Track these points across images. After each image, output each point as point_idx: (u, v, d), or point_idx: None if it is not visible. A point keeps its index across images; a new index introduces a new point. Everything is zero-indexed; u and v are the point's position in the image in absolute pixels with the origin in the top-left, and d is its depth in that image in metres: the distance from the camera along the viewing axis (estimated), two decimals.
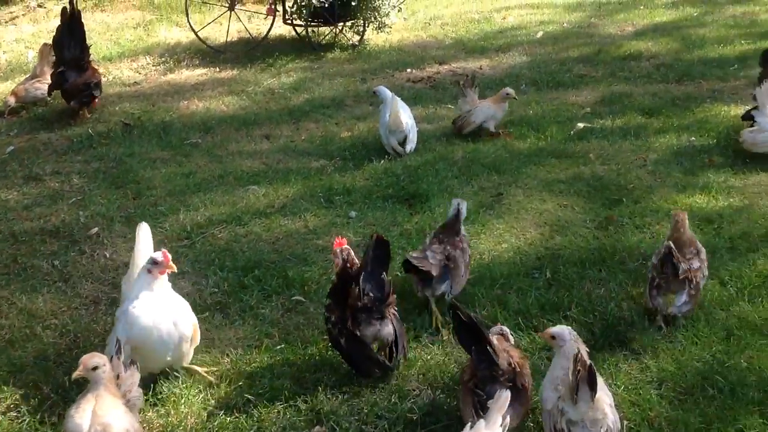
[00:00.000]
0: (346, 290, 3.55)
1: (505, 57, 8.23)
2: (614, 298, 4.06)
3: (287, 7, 8.62)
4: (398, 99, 5.98)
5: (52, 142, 6.24)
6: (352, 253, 3.68)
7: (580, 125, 6.25)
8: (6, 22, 9.47)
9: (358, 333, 3.50)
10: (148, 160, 5.84)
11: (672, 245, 3.80)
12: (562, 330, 3.17)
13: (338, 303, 3.55)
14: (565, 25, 9.45)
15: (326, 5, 8.19)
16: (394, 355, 3.59)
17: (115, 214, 5.03)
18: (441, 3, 10.72)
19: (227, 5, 8.65)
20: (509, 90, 6.12)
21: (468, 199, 5.09)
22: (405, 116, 5.86)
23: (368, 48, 8.63)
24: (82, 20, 6.57)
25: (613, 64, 7.84)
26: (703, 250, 4.02)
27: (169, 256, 3.42)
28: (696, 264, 3.89)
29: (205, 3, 9.48)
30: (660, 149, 5.84)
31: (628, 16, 9.74)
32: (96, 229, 4.85)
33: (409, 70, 7.86)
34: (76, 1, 6.55)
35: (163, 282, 3.43)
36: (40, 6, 10.01)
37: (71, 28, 6.46)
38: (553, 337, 3.14)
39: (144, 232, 3.77)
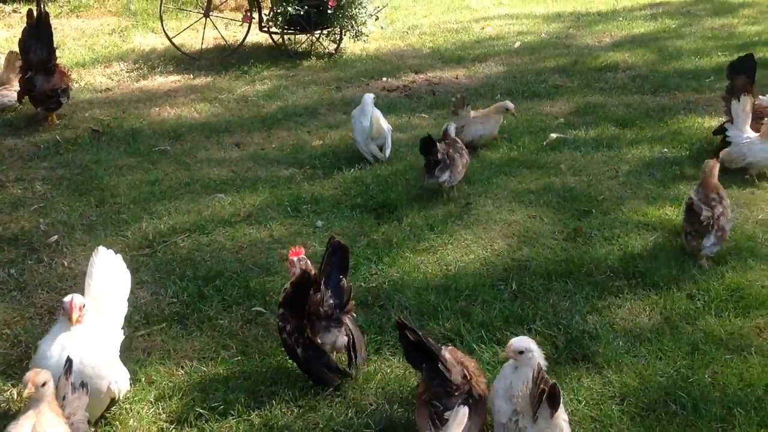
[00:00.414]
0: (303, 299, 3.48)
1: (481, 67, 8.19)
2: (579, 311, 4.00)
3: (263, 15, 8.55)
4: (373, 109, 5.94)
5: (18, 148, 6.13)
6: (310, 263, 3.60)
7: (553, 136, 6.20)
8: None
9: (318, 341, 3.43)
10: (114, 167, 5.75)
11: (694, 199, 4.41)
12: (528, 343, 3.10)
13: (294, 312, 3.48)
14: (543, 35, 9.43)
15: (302, 13, 8.11)
16: (353, 361, 3.53)
17: (77, 222, 4.93)
18: (420, 13, 10.69)
19: (203, 12, 8.57)
20: (509, 105, 6.02)
21: (436, 209, 5.08)
22: (384, 122, 5.82)
23: (344, 56, 8.57)
24: (50, 23, 6.44)
25: (589, 74, 7.81)
26: (726, 196, 4.56)
27: (76, 306, 3.14)
28: (719, 210, 4.42)
29: (181, 10, 9.41)
30: (632, 160, 5.79)
31: (607, 27, 9.73)
32: (56, 237, 4.75)
33: (384, 78, 7.81)
34: (44, 4, 6.43)
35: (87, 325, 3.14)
36: (14, 11, 9.90)
37: (38, 30, 6.36)
38: (520, 353, 3.06)
39: (101, 258, 3.54)
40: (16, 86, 6.63)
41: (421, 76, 7.94)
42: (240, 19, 8.84)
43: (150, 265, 4.47)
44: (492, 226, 4.90)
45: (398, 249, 4.64)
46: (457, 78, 7.85)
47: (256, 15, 8.60)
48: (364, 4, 8.43)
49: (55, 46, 6.48)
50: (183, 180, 5.55)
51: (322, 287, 3.49)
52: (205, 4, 8.57)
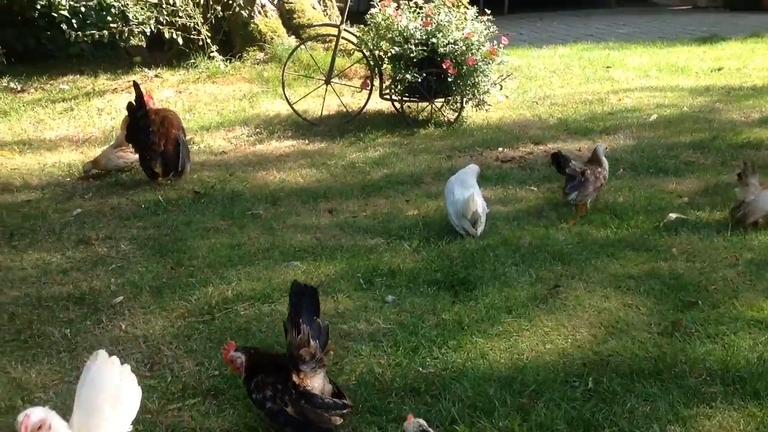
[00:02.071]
0: (268, 362, 3.43)
1: (608, 139, 7.65)
2: (660, 420, 3.44)
3: (383, 82, 8.43)
4: (474, 181, 5.65)
5: (120, 207, 6.20)
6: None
7: (672, 216, 5.60)
8: (122, 90, 9.76)
9: (308, 385, 3.29)
10: (202, 230, 5.67)
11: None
12: None
13: (269, 372, 3.35)
14: (684, 108, 8.77)
15: (420, 81, 7.92)
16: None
17: (146, 284, 4.83)
18: (556, 83, 10.25)
19: (324, 78, 8.55)
20: None
21: (521, 289, 4.64)
22: (478, 204, 5.45)
23: (464, 126, 8.28)
24: (146, 112, 6.52)
25: (727, 151, 7.11)
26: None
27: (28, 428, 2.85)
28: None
29: (303, 76, 9.46)
30: (758, 248, 5.11)
31: (758, 103, 8.93)
32: (121, 298, 4.66)
33: (500, 149, 7.44)
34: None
35: None
36: (157, 76, 10.30)
37: (136, 124, 6.45)
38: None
39: (101, 365, 3.06)
40: (131, 148, 6.74)
41: (541, 147, 7.50)
42: (359, 86, 8.75)
43: (204, 333, 4.27)
44: (579, 313, 4.39)
45: (468, 332, 4.23)
46: (579, 150, 7.36)
47: (376, 82, 8.48)
48: (486, 73, 8.12)
49: (153, 129, 6.51)
50: (264, 245, 5.38)
51: (304, 326, 3.32)
52: (327, 70, 8.54)
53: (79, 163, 7.21)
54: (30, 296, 4.69)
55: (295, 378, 3.30)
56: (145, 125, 6.42)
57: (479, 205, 5.41)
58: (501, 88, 8.53)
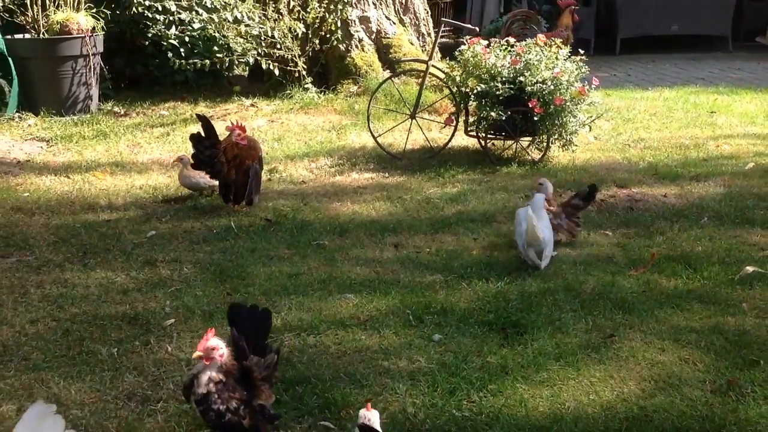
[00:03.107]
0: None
1: (697, 186, 7.33)
2: None
3: (469, 119, 8.37)
4: (543, 212, 5.58)
5: (193, 230, 6.32)
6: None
7: (749, 269, 5.29)
8: (218, 118, 10.02)
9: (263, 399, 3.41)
10: (265, 257, 5.71)
11: None
12: None
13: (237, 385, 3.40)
14: None
15: (504, 119, 7.81)
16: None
17: (200, 308, 4.89)
18: (654, 126, 9.93)
19: (409, 113, 8.55)
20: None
21: (574, 336, 4.47)
22: (544, 229, 5.38)
23: (549, 165, 8.10)
24: (214, 144, 6.64)
25: None
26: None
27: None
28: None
29: (389, 111, 9.49)
30: None
31: None
32: (172, 320, 4.73)
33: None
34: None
35: None
36: (252, 105, 10.54)
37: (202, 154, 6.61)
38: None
39: (31, 416, 2.66)
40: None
41: (624, 191, 7.26)
42: (443, 122, 8.70)
43: None
44: (631, 364, 4.18)
45: (511, 377, 4.09)
46: (665, 196, 7.08)
47: (462, 118, 8.42)
48: (575, 113, 7.94)
49: (220, 160, 6.63)
50: (321, 276, 5.37)
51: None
52: (413, 106, 8.54)
53: (164, 187, 7.43)
54: (87, 314, 4.81)
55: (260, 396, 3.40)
56: (211, 156, 6.54)
57: (540, 233, 5.34)
58: (590, 129, 8.31)
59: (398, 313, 4.82)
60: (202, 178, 6.98)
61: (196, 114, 6.94)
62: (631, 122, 10.16)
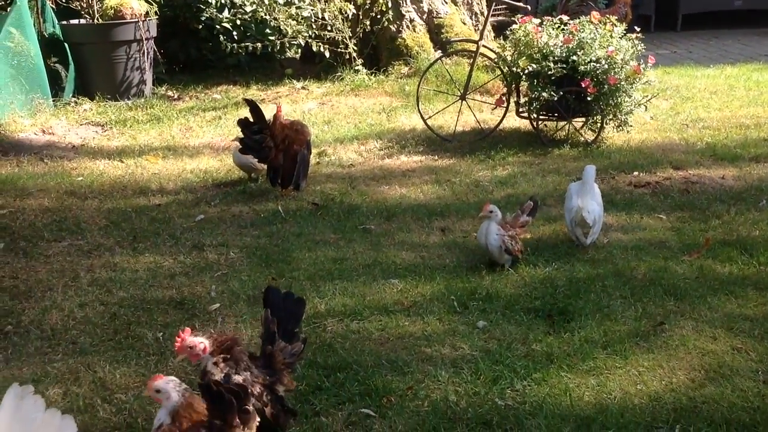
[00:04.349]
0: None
1: (757, 168, 7.10)
2: None
3: (520, 99, 8.23)
4: (593, 185, 5.51)
5: (241, 215, 6.34)
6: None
7: None
8: (269, 101, 10.04)
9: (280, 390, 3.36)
10: (311, 242, 5.70)
11: None
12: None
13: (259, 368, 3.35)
14: None
15: (557, 99, 7.65)
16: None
17: (245, 293, 4.90)
18: (713, 105, 9.63)
19: (459, 95, 8.44)
20: None
21: (622, 324, 4.35)
22: (594, 208, 5.35)
23: (603, 147, 7.92)
24: (262, 129, 6.65)
25: None
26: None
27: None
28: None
29: (439, 92, 9.38)
30: None
31: None
32: (218, 305, 4.75)
33: (636, 173, 7.05)
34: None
35: None
36: (303, 88, 10.53)
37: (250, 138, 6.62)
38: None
39: (10, 398, 2.33)
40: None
41: (680, 172, 7.05)
42: (494, 103, 8.57)
43: None
44: (681, 354, 4.06)
45: (555, 366, 4.00)
46: (723, 177, 6.87)
47: (512, 99, 8.28)
48: (630, 93, 7.74)
49: (267, 144, 6.64)
50: (366, 261, 5.33)
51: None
52: (463, 87, 8.43)
53: (214, 171, 7.47)
54: (135, 298, 4.85)
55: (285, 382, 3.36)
56: (258, 141, 6.53)
57: (589, 218, 5.30)
58: (646, 109, 8.09)
59: (443, 299, 4.76)
60: (244, 157, 6.99)
61: (244, 99, 6.94)
62: (690, 101, 9.88)
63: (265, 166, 6.89)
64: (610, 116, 7.86)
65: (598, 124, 7.99)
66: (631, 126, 8.00)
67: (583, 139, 8.13)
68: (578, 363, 4.02)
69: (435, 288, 4.91)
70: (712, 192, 6.53)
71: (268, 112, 6.95)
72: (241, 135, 6.73)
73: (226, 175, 7.37)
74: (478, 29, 11.39)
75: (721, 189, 6.60)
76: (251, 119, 6.66)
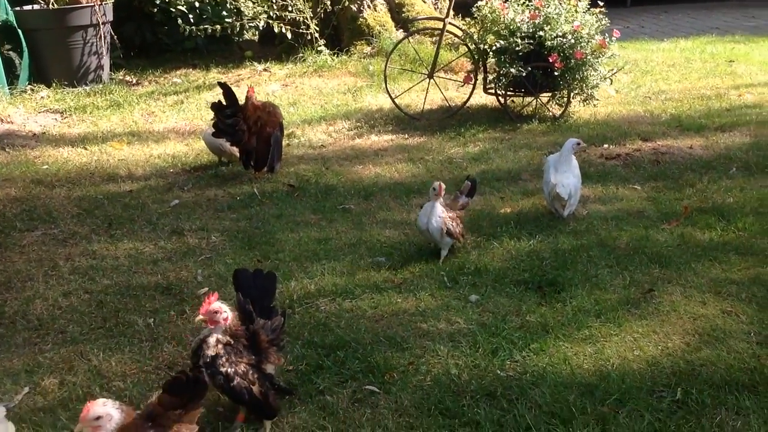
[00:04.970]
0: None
1: (723, 137, 7.24)
2: None
3: (487, 76, 8.25)
4: (571, 158, 5.57)
5: (216, 198, 6.26)
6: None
7: None
8: (231, 84, 9.88)
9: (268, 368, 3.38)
10: (292, 223, 5.66)
11: None
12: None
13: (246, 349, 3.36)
14: None
15: (525, 75, 7.69)
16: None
17: (231, 276, 4.83)
18: (673, 78, 9.79)
19: (426, 73, 8.43)
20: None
21: (612, 293, 4.41)
22: (569, 182, 5.42)
23: (570, 121, 8.00)
24: (236, 112, 6.56)
25: None
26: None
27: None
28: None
29: (406, 71, 9.36)
30: None
31: None
32: (206, 289, 4.68)
33: (606, 145, 7.14)
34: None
35: None
36: (265, 70, 10.42)
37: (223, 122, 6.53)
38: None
39: None
40: None
41: (649, 144, 7.16)
42: (462, 80, 8.58)
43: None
44: (673, 319, 4.13)
45: (552, 336, 4.05)
46: (691, 147, 6.99)
47: (480, 76, 8.31)
48: (596, 67, 7.81)
49: (241, 128, 6.54)
50: (351, 240, 5.32)
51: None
52: (430, 65, 8.42)
53: (183, 155, 7.36)
54: (119, 285, 4.77)
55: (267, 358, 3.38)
56: (232, 124, 6.46)
57: (563, 192, 5.35)
58: (611, 83, 8.18)
59: (432, 275, 4.77)
60: (227, 142, 6.90)
61: (218, 82, 6.83)
62: (649, 74, 10.03)
63: (236, 149, 6.83)
64: (577, 90, 7.93)
65: (565, 99, 8.06)
66: (598, 100, 8.09)
67: (550, 113, 8.19)
68: (574, 332, 4.07)
69: (423, 264, 4.91)
70: (682, 162, 6.65)
71: (239, 94, 6.87)
72: (213, 119, 6.63)
73: (195, 160, 7.27)
74: (438, 8, 11.41)
75: (691, 159, 6.72)
76: (224, 102, 6.57)
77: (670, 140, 7.24)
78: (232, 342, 3.29)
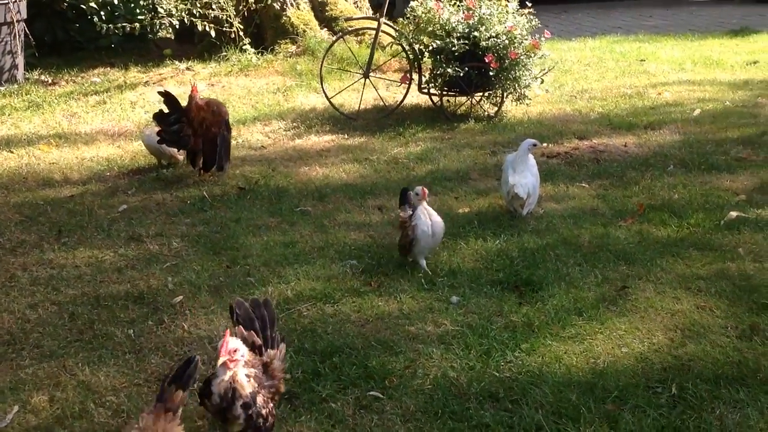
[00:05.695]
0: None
1: (654, 135, 7.54)
2: (752, 427, 3.34)
3: (423, 76, 8.32)
4: (528, 158, 5.68)
5: (165, 203, 6.10)
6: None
7: (733, 214, 5.48)
8: (154, 83, 9.67)
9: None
10: (253, 227, 5.57)
11: None
12: None
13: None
14: (726, 103, 8.64)
15: (462, 75, 7.79)
16: None
17: (204, 283, 4.74)
18: (592, 77, 10.12)
19: (362, 73, 8.44)
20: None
21: (587, 291, 4.54)
22: (527, 181, 5.54)
23: (505, 120, 8.16)
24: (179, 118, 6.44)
25: None
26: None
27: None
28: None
29: (342, 70, 9.35)
30: None
31: None
32: (180, 297, 4.57)
33: (545, 144, 7.30)
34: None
35: None
36: (188, 69, 10.19)
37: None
38: None
39: None
40: None
41: (586, 142, 7.39)
42: (399, 80, 8.63)
43: None
44: (651, 315, 4.29)
45: (539, 335, 4.13)
46: (625, 146, 7.25)
47: (416, 76, 8.37)
48: (529, 67, 8.00)
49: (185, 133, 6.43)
50: (318, 243, 5.28)
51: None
52: (366, 65, 8.42)
53: (118, 158, 7.14)
54: (87, 295, 4.60)
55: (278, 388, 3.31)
56: (177, 131, 6.33)
57: (522, 192, 5.46)
58: (542, 82, 8.39)
59: (408, 278, 4.79)
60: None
61: (158, 91, 6.62)
62: (569, 73, 10.32)
63: (176, 151, 6.71)
64: (510, 90, 8.09)
65: (499, 98, 8.21)
66: (530, 99, 8.27)
67: (484, 113, 8.33)
68: (560, 331, 4.16)
69: (396, 267, 4.93)
70: (621, 160, 6.88)
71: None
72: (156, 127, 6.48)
73: (132, 162, 7.06)
74: (358, 6, 11.42)
75: (628, 156, 6.97)
76: (166, 110, 6.42)
77: (605, 138, 7.49)
78: (255, 371, 3.19)
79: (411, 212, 4.89)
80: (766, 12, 15.69)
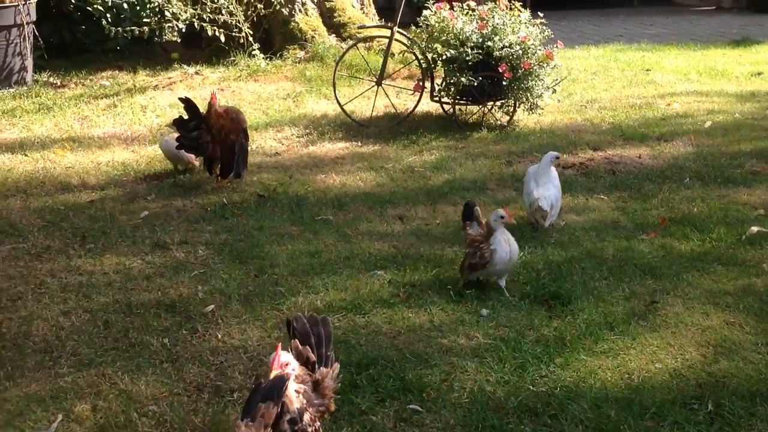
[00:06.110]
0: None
1: (667, 146, 7.59)
2: None
3: (435, 85, 8.35)
4: (550, 170, 5.75)
5: (186, 209, 6.10)
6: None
7: (754, 229, 5.53)
8: (163, 87, 9.66)
9: None
10: (276, 235, 5.58)
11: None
12: None
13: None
14: (736, 115, 8.70)
15: (475, 84, 7.83)
16: None
17: (234, 292, 4.75)
18: (600, 86, 10.17)
19: (375, 80, 8.46)
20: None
21: (617, 305, 4.57)
22: (550, 193, 5.60)
23: (517, 129, 8.20)
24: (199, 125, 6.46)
25: None
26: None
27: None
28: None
29: (354, 77, 9.36)
30: None
31: None
32: (212, 306, 4.58)
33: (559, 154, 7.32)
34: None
35: None
36: (197, 73, 10.19)
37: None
38: None
39: None
40: None
41: (600, 153, 7.43)
42: (411, 88, 8.66)
43: None
44: (682, 331, 4.32)
45: (572, 349, 4.16)
46: (640, 157, 7.30)
47: (428, 84, 8.40)
48: (541, 77, 8.04)
49: (204, 140, 6.46)
50: (343, 253, 5.29)
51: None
52: (378, 73, 8.44)
53: (134, 163, 7.14)
54: (119, 303, 4.60)
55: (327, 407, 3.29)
56: (196, 137, 6.37)
57: (545, 205, 5.50)
58: (554, 92, 8.43)
59: (435, 289, 4.81)
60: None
61: (179, 98, 6.63)
62: (577, 82, 10.36)
63: (193, 157, 6.73)
64: (523, 100, 8.13)
65: (511, 108, 8.25)
66: (542, 109, 8.31)
67: (496, 122, 8.36)
68: (592, 345, 4.19)
69: (423, 278, 4.95)
70: (636, 172, 6.93)
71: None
72: (176, 134, 6.50)
73: (148, 167, 7.06)
74: (365, 12, 11.45)
75: (643, 168, 7.01)
76: (186, 117, 6.44)
77: (618, 149, 7.53)
78: (305, 387, 3.19)
79: (477, 229, 4.92)
80: (764, 22, 15.78)
